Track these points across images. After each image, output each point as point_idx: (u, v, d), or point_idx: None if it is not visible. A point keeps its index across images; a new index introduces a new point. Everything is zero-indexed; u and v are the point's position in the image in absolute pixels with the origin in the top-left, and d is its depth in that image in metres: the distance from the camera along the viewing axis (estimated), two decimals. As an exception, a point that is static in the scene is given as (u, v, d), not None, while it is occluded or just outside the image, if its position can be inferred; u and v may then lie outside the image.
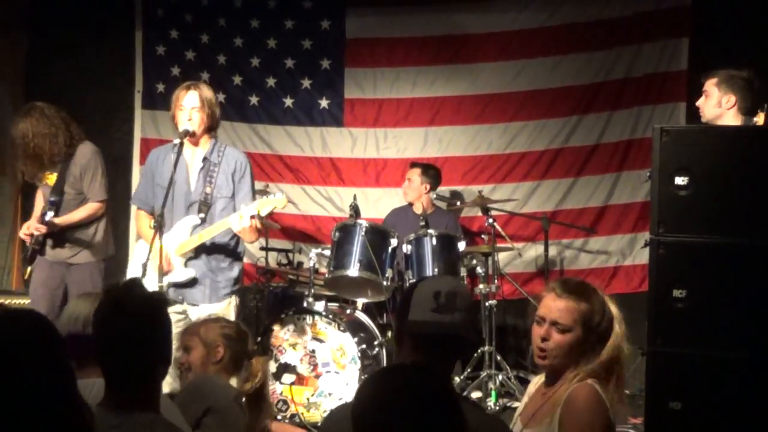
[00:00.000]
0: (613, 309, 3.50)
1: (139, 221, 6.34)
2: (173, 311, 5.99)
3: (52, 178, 6.93)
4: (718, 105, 5.77)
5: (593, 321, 3.47)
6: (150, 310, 3.10)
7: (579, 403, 3.38)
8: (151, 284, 5.64)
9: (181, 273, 5.97)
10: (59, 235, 6.89)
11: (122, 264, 9.50)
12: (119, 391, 3.01)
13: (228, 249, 6.10)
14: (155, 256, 5.55)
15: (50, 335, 2.58)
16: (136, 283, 3.27)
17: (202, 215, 5.97)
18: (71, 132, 6.90)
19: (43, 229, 6.73)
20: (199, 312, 5.99)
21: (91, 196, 6.92)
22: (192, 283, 6.00)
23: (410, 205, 8.48)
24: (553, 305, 3.52)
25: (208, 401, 4.20)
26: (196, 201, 6.01)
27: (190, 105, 5.94)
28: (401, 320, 3.14)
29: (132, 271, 6.15)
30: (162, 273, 5.61)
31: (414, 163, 8.51)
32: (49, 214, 6.70)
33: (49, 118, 6.81)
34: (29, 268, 7.13)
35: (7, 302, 7.92)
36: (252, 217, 5.72)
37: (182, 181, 6.02)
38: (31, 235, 6.87)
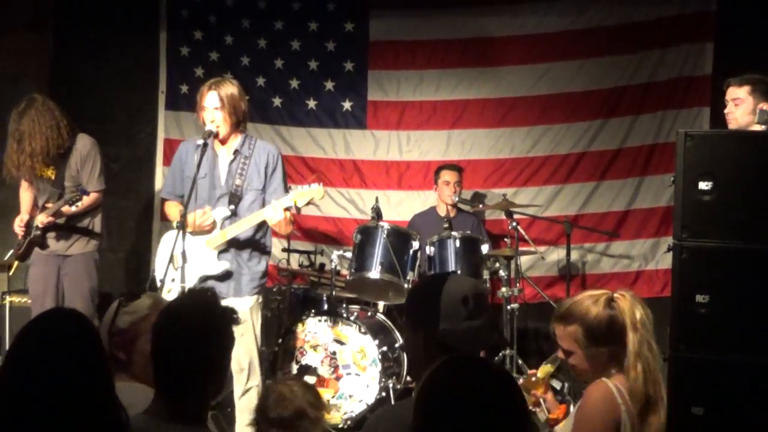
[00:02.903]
0: (627, 315, 3.53)
1: (169, 209, 6.37)
2: None
3: (47, 172, 6.95)
4: (753, 112, 5.71)
5: (592, 336, 3.54)
6: (213, 323, 3.08)
7: (587, 399, 3.48)
8: (168, 278, 5.70)
9: (214, 266, 6.00)
10: (57, 227, 6.92)
11: (146, 260, 9.59)
12: (169, 400, 3.01)
13: (256, 243, 6.14)
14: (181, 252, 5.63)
15: (89, 333, 2.60)
16: (205, 294, 3.26)
17: (232, 207, 6.00)
18: (70, 124, 6.93)
19: (46, 220, 6.77)
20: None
21: (90, 186, 6.93)
22: (224, 276, 6.03)
23: (433, 208, 8.47)
24: (557, 334, 3.68)
25: None
26: (226, 193, 6.03)
27: (212, 105, 5.96)
28: (431, 328, 3.09)
29: (158, 264, 6.19)
30: (184, 264, 5.65)
31: (450, 166, 8.48)
32: (78, 204, 6.73)
33: (51, 109, 6.83)
34: (16, 263, 7.18)
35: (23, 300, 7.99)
36: (287, 209, 5.75)
37: (210, 176, 6.05)
38: (27, 230, 6.92)
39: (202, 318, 3.04)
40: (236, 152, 6.07)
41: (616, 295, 3.61)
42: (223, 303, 5.95)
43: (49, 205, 6.83)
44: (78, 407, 2.44)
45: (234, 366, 6.15)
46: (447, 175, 8.34)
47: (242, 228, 5.94)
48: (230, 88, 6.05)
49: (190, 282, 5.89)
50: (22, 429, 2.41)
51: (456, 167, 8.44)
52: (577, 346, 3.57)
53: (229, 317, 3.16)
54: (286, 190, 6.10)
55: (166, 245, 6.18)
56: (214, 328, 3.06)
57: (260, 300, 6.25)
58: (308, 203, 5.90)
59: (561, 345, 3.65)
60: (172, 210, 6.27)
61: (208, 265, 6.00)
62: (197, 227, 5.92)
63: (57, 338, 2.51)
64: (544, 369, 3.97)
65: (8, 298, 8.33)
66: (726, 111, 5.90)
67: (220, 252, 6.05)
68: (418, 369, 3.13)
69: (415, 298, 3.31)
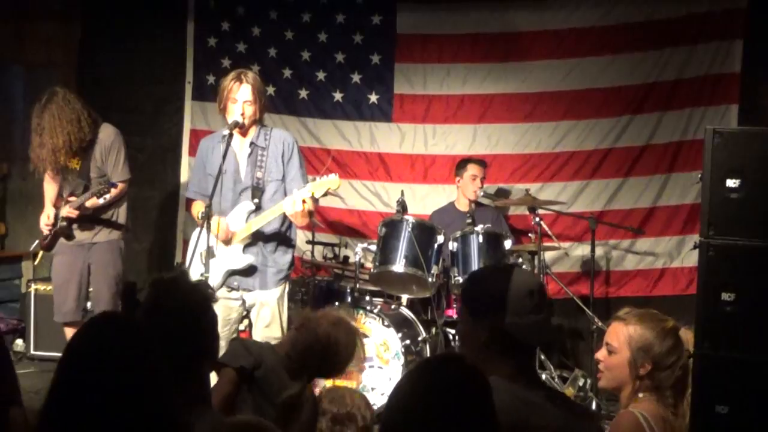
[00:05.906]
0: (691, 348, 3.52)
1: (195, 208, 6.35)
2: (231, 297, 6.05)
3: (72, 163, 6.97)
4: None
5: (648, 345, 3.53)
6: (193, 302, 3.09)
7: (616, 430, 3.47)
8: (197, 273, 5.71)
9: (239, 259, 6.01)
10: (83, 218, 6.95)
11: (170, 250, 9.62)
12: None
13: (281, 235, 6.16)
14: (204, 245, 5.64)
15: (137, 337, 2.57)
16: (181, 275, 3.28)
17: (256, 200, 6.01)
18: (92, 116, 6.94)
19: (69, 212, 6.81)
20: (252, 298, 6.04)
21: (115, 177, 6.94)
22: (250, 270, 6.05)
23: (452, 203, 8.45)
24: (610, 330, 3.68)
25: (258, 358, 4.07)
26: (248, 187, 6.05)
27: (243, 98, 5.96)
28: (498, 320, 3.08)
29: (188, 260, 6.18)
30: (209, 259, 5.67)
31: (476, 160, 8.43)
32: (106, 197, 6.75)
33: (71, 102, 6.84)
34: (41, 254, 7.22)
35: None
36: (304, 201, 5.74)
37: (232, 170, 6.07)
38: (54, 224, 6.95)
39: (185, 302, 3.05)
40: (252, 144, 6.08)
41: (682, 328, 3.64)
42: (249, 296, 6.02)
43: (72, 198, 6.86)
44: (131, 415, 2.42)
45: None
46: (475, 169, 8.27)
47: (266, 220, 5.95)
48: (258, 82, 6.08)
49: (216, 277, 5.91)
50: None
51: (482, 162, 8.41)
52: (626, 348, 3.57)
53: (208, 294, 3.18)
54: (305, 177, 6.11)
55: (194, 240, 6.20)
56: (198, 307, 3.07)
57: (287, 290, 6.30)
58: (325, 194, 5.89)
59: (609, 342, 3.64)
60: (198, 209, 6.24)
61: (234, 259, 6.01)
62: (222, 238, 5.96)
63: (109, 345, 2.48)
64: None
65: (33, 286, 8.45)
66: None
67: (246, 246, 6.06)
68: (474, 359, 3.07)
69: (480, 288, 3.24)
